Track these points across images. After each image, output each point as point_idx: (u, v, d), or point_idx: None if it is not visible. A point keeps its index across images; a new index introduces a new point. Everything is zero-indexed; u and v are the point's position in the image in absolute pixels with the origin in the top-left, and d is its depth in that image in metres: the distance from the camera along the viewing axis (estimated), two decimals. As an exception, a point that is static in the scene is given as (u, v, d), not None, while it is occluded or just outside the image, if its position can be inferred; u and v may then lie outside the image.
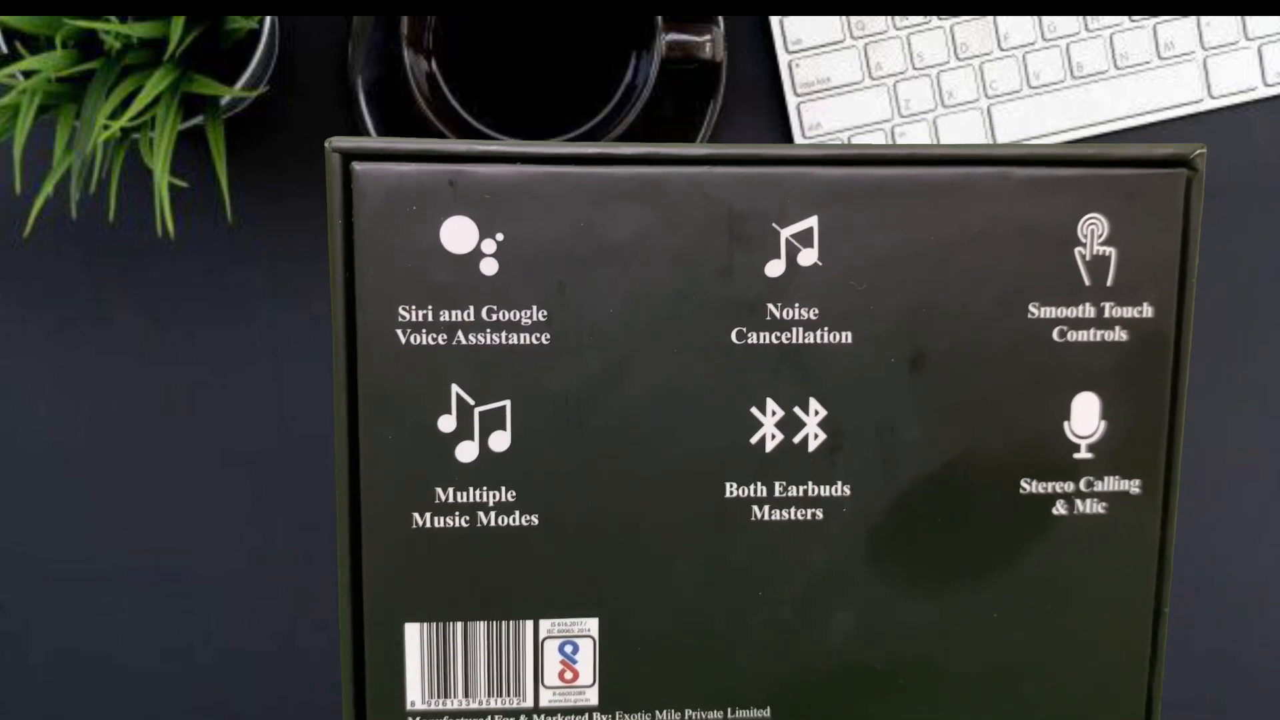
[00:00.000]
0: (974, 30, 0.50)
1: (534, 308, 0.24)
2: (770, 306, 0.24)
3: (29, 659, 0.51)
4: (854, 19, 0.49)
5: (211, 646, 0.51)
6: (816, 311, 0.24)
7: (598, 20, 0.46)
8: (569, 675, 0.25)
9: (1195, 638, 0.58)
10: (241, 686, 0.52)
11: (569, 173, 0.23)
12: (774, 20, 0.49)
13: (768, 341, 0.24)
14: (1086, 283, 0.25)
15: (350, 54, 0.48)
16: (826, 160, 0.24)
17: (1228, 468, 0.57)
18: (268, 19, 0.42)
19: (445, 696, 0.25)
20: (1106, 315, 0.25)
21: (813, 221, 0.24)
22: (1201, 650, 0.59)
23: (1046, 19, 0.50)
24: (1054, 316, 0.25)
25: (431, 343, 0.24)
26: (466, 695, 0.25)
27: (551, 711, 0.25)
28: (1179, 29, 0.51)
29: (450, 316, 0.24)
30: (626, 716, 0.25)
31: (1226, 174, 0.54)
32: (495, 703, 0.25)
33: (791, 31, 0.49)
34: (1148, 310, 0.25)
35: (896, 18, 0.49)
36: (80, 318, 0.49)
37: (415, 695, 0.24)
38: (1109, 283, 0.25)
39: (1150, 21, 0.51)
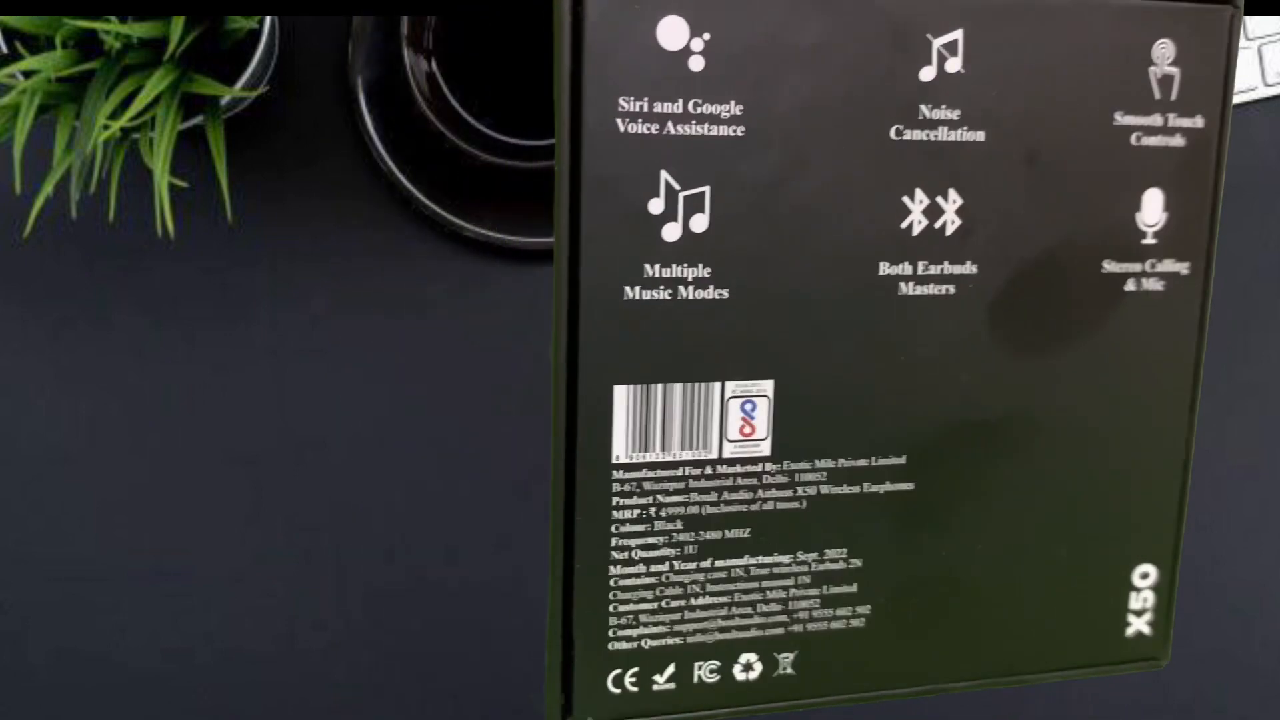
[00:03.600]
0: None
1: (732, 102, 0.27)
2: (922, 107, 0.28)
3: (29, 659, 0.51)
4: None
5: (211, 646, 0.51)
6: (958, 113, 0.28)
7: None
8: (747, 430, 0.28)
9: (1195, 638, 0.58)
10: (241, 686, 0.52)
11: None
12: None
13: (919, 138, 0.28)
14: (1156, 96, 0.29)
15: (350, 54, 0.48)
16: None
17: (1228, 468, 0.57)
18: (268, 19, 0.42)
19: (645, 450, 0.28)
20: (1170, 124, 0.30)
21: (959, 34, 0.28)
22: (1201, 650, 0.59)
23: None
24: (1133, 124, 0.29)
25: (646, 131, 0.26)
26: (663, 449, 0.28)
27: (731, 461, 0.28)
28: (1179, 29, 0.51)
29: (662, 108, 0.26)
30: (791, 464, 0.29)
31: (1226, 174, 0.54)
32: (687, 455, 0.28)
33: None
34: (1200, 121, 0.30)
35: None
36: (80, 318, 0.49)
37: (620, 449, 0.28)
38: (1173, 97, 0.29)
39: (1150, 21, 0.51)
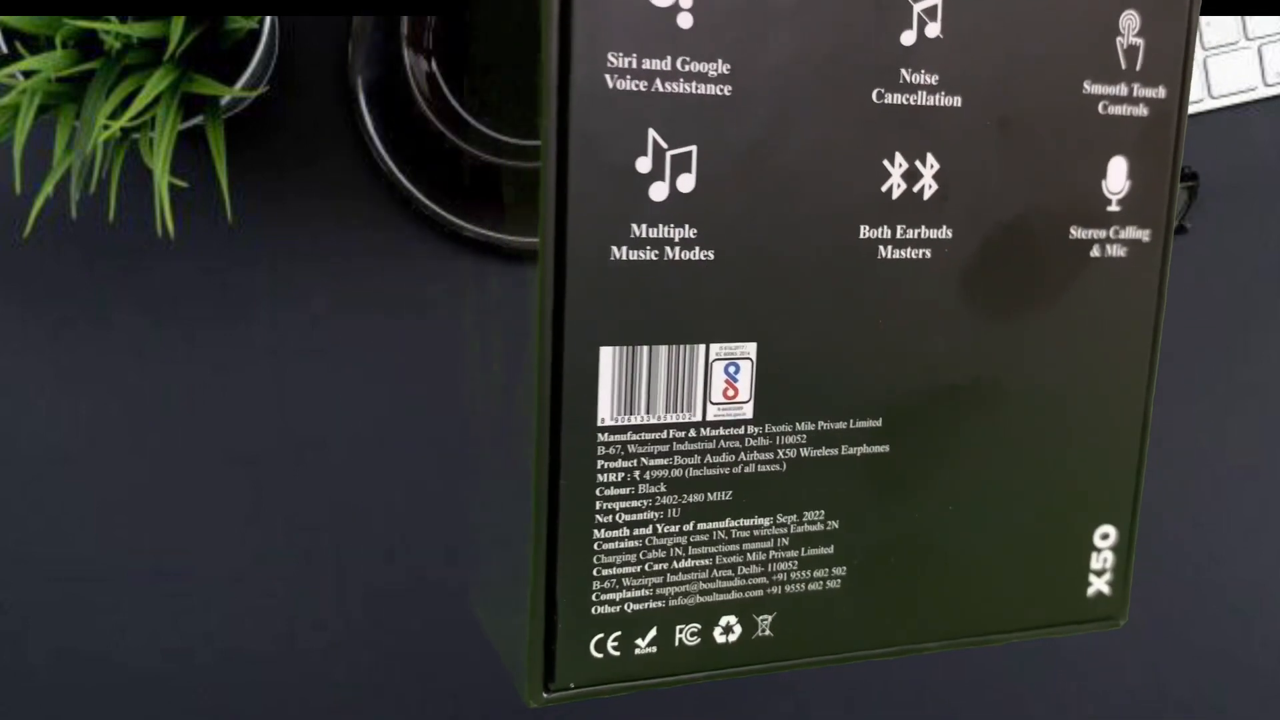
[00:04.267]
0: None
1: (720, 61, 0.27)
2: (903, 71, 0.28)
3: (29, 659, 0.51)
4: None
5: (211, 646, 0.51)
6: (937, 77, 0.28)
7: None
8: (731, 393, 0.28)
9: (1195, 638, 0.59)
10: (241, 686, 0.52)
11: None
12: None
13: (899, 102, 0.28)
14: (1123, 66, 0.30)
15: (350, 54, 0.48)
16: None
17: (1228, 468, 0.57)
18: (268, 19, 0.42)
19: (630, 413, 0.28)
20: (1135, 94, 0.30)
21: None
22: (1201, 650, 0.59)
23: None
24: (1100, 93, 0.30)
25: (634, 88, 0.26)
26: (648, 412, 0.28)
27: (715, 424, 0.28)
28: (1179, 29, 0.51)
29: (650, 65, 0.26)
30: (772, 427, 0.29)
31: (1226, 174, 0.54)
32: (671, 418, 0.28)
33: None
34: (1161, 91, 0.30)
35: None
36: (80, 318, 0.49)
37: (605, 412, 0.27)
38: (1138, 67, 0.30)
39: (1150, 21, 0.51)
